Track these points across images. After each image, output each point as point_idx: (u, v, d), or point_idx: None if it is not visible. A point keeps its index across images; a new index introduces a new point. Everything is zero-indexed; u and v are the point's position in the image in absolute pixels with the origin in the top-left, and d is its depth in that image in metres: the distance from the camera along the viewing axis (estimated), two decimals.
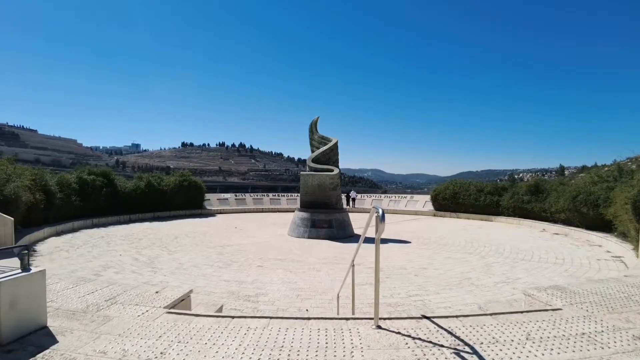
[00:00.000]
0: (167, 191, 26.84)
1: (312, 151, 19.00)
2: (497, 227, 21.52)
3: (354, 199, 32.64)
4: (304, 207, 18.30)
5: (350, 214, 19.44)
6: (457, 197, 26.72)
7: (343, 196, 35.55)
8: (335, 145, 18.65)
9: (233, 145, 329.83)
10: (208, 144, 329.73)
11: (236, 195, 34.00)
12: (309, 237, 17.12)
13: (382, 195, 34.84)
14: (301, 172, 17.97)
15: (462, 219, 25.62)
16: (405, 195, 33.56)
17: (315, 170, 17.82)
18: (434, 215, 28.18)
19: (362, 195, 35.45)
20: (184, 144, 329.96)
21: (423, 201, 31.47)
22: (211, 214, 29.29)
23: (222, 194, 34.60)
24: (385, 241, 15.80)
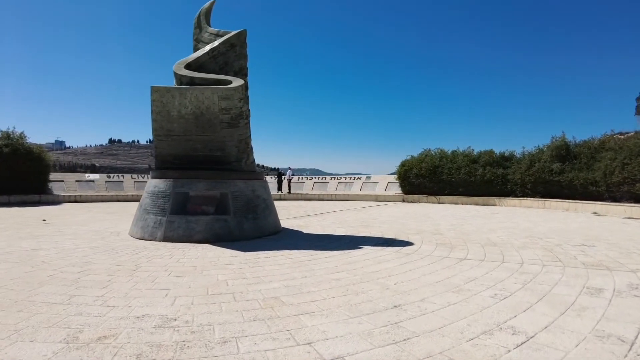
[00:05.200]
0: None
1: None
2: (522, 213, 13.04)
3: (289, 181, 22.80)
4: (163, 168, 8.03)
5: (284, 202, 9.71)
6: (438, 173, 18.13)
7: (273, 178, 25.47)
8: (240, 38, 8.57)
9: None
10: (138, 141, 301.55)
11: (109, 177, 22.31)
12: (166, 239, 6.93)
13: (328, 177, 25.42)
14: (152, 87, 7.55)
15: (447, 204, 17.05)
16: (360, 176, 24.51)
17: (192, 82, 7.62)
18: (403, 201, 19.38)
19: (301, 177, 25.76)
20: (111, 141, 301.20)
21: (384, 183, 22.64)
22: (57, 201, 18.32)
23: (87, 174, 22.68)
24: (355, 242, 6.30)
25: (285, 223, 9.55)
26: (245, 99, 7.95)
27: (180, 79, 7.89)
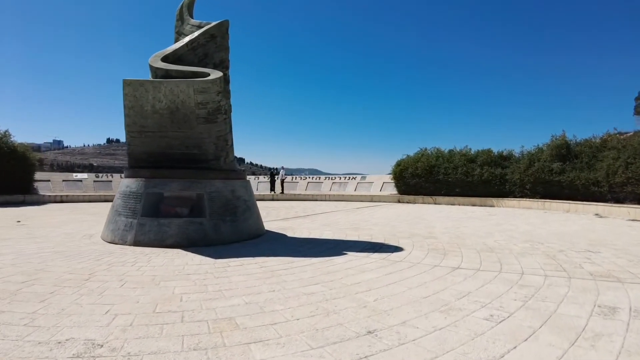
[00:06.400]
0: None
1: None
2: (521, 215, 12.54)
3: (282, 181, 22.25)
4: (137, 166, 7.48)
5: (276, 203, 9.20)
6: (434, 173, 17.62)
7: (266, 178, 24.87)
8: (220, 29, 8.03)
9: None
10: None
11: (97, 177, 21.74)
12: (136, 243, 6.40)
13: (323, 177, 24.89)
14: (124, 80, 7.03)
15: (444, 205, 16.56)
16: (354, 176, 23.98)
17: (168, 75, 7.09)
18: (398, 201, 18.88)
19: (295, 177, 25.21)
20: (109, 140, 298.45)
21: (380, 183, 22.11)
22: (42, 201, 17.79)
23: (75, 174, 22.11)
24: (340, 248, 5.77)
25: (271, 225, 9.02)
26: (225, 93, 7.41)
27: (155, 72, 7.38)
